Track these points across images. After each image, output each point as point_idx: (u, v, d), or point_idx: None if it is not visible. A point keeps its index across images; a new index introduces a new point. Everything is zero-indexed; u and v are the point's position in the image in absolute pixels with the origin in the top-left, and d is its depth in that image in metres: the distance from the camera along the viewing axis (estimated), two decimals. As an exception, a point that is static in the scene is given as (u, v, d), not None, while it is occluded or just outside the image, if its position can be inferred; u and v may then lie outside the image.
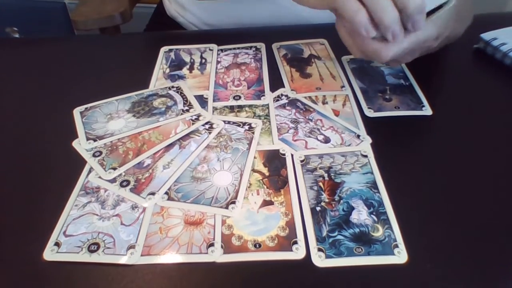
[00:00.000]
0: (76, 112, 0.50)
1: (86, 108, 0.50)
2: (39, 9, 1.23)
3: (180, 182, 0.41)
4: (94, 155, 0.44)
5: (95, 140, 0.45)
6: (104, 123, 0.47)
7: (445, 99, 0.51)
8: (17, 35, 1.19)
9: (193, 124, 0.47)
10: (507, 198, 0.39)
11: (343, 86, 0.52)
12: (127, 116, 0.48)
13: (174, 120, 0.47)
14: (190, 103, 0.50)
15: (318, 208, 0.38)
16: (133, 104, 0.50)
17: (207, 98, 0.51)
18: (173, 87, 0.53)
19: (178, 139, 0.45)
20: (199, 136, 0.46)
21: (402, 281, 0.33)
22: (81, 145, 0.45)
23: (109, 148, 0.44)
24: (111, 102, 0.50)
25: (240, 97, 0.51)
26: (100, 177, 0.41)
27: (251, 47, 0.60)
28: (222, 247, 0.35)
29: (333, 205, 0.38)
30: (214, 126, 0.47)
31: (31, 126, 0.49)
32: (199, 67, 0.57)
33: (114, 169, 0.42)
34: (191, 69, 0.57)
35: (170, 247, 0.36)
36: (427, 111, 0.48)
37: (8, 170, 0.44)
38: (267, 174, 0.42)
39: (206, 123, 0.47)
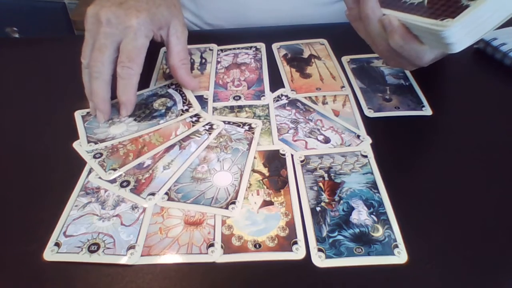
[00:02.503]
0: (78, 115, 0.49)
1: (87, 113, 0.50)
2: (39, 9, 1.23)
3: (180, 182, 0.41)
4: (94, 157, 0.44)
5: (96, 143, 0.45)
6: (106, 128, 0.47)
7: (445, 99, 0.51)
8: (17, 35, 1.20)
9: (193, 126, 0.47)
10: (507, 198, 0.39)
11: (343, 86, 0.52)
12: (128, 120, 0.48)
13: (174, 122, 0.47)
14: (189, 102, 0.50)
15: (318, 208, 0.38)
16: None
17: (207, 99, 0.51)
18: (172, 84, 0.53)
19: (178, 140, 0.45)
20: (199, 137, 0.46)
21: (402, 281, 0.33)
22: (81, 147, 0.45)
23: (110, 150, 0.44)
24: (112, 105, 0.50)
25: (240, 98, 0.51)
26: (100, 178, 0.42)
27: (251, 47, 0.60)
28: (222, 247, 0.35)
29: (333, 205, 0.38)
30: (214, 126, 0.47)
31: (31, 126, 0.49)
32: (199, 67, 0.57)
33: (114, 170, 0.42)
34: (191, 69, 0.56)
35: (170, 247, 0.36)
36: (427, 111, 0.48)
37: (8, 170, 0.44)
38: (267, 174, 0.42)
39: (207, 123, 0.47)
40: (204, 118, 0.48)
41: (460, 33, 0.36)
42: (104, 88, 0.46)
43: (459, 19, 0.35)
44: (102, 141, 0.45)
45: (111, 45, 0.44)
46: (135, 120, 0.48)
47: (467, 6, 0.35)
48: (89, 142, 0.45)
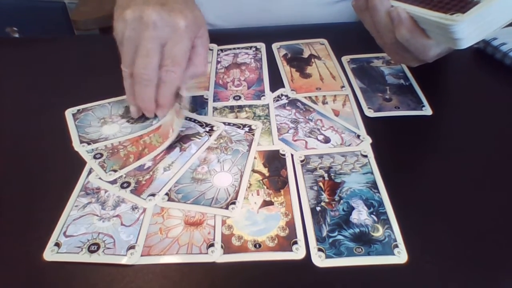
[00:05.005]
0: (68, 113, 0.49)
1: (78, 110, 0.50)
2: (39, 9, 1.22)
3: (180, 183, 0.41)
4: (95, 157, 0.44)
5: (88, 144, 0.45)
6: (98, 127, 0.47)
7: (445, 99, 0.51)
8: (17, 35, 1.19)
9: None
10: (507, 198, 0.39)
11: (343, 86, 0.52)
12: (121, 121, 0.48)
13: (169, 119, 0.47)
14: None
15: (318, 208, 0.38)
16: (126, 108, 0.50)
17: (207, 98, 0.51)
18: None
19: (179, 142, 0.45)
20: (199, 138, 0.46)
21: (402, 281, 0.33)
22: (75, 147, 0.45)
23: (110, 151, 0.44)
24: (103, 105, 0.50)
25: (240, 97, 0.51)
26: (100, 179, 0.42)
27: (251, 47, 0.60)
28: (222, 247, 0.35)
29: (333, 205, 0.38)
30: (214, 128, 0.47)
31: (31, 126, 0.49)
32: (199, 67, 0.57)
33: (115, 171, 0.42)
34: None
35: (170, 247, 0.36)
36: (427, 111, 0.48)
37: (8, 170, 0.44)
38: (267, 174, 0.42)
39: (207, 125, 0.47)
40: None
41: (468, 29, 0.35)
42: (153, 94, 0.43)
43: (469, 15, 0.35)
44: (95, 141, 0.45)
45: (157, 49, 0.41)
46: (128, 122, 0.48)
47: (477, 2, 0.35)
48: (81, 142, 0.45)
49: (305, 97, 0.51)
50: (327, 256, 0.34)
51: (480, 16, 0.35)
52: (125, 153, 0.44)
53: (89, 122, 0.48)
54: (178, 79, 0.43)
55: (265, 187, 0.40)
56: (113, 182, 0.41)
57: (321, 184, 0.40)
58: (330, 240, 0.36)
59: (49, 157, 0.45)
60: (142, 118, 0.48)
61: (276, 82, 0.53)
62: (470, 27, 0.35)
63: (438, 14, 0.37)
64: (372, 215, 0.37)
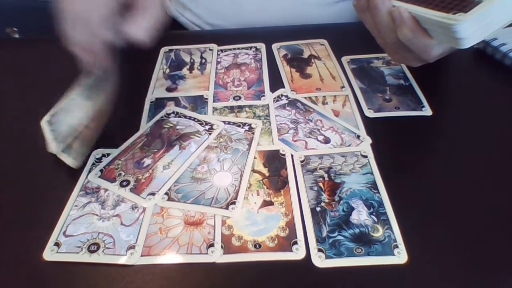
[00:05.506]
0: (44, 123, 0.45)
1: (51, 115, 0.46)
2: (39, 9, 1.22)
3: (180, 182, 0.41)
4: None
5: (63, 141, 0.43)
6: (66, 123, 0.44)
7: (445, 99, 0.51)
8: (17, 35, 1.19)
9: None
10: (507, 198, 0.39)
11: (343, 87, 0.52)
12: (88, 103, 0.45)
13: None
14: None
15: (318, 209, 0.38)
16: (90, 89, 0.47)
17: (207, 99, 0.51)
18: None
19: (178, 140, 0.45)
20: (199, 137, 0.46)
21: (402, 281, 0.33)
22: (53, 151, 0.43)
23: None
24: (71, 99, 0.47)
25: (240, 98, 0.51)
26: (97, 176, 0.42)
27: (251, 48, 0.60)
28: (222, 247, 0.35)
29: (333, 206, 0.38)
30: (214, 127, 0.47)
31: (31, 126, 0.49)
32: (199, 67, 0.57)
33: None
34: (191, 69, 0.57)
35: (170, 247, 0.36)
36: (427, 111, 0.48)
37: (7, 170, 0.44)
38: (267, 174, 0.42)
39: (206, 124, 0.47)
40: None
41: (471, 28, 0.36)
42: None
43: (472, 14, 0.35)
44: (66, 136, 0.43)
45: None
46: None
47: (479, 2, 0.35)
48: (58, 142, 0.43)
49: (305, 98, 0.51)
50: (327, 257, 0.34)
51: (482, 16, 0.35)
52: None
53: (61, 122, 0.45)
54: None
55: (265, 187, 0.40)
56: (113, 180, 0.41)
57: (321, 184, 0.40)
58: (330, 240, 0.36)
59: (49, 157, 0.45)
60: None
61: (276, 83, 0.53)
62: (473, 26, 0.35)
63: (440, 14, 0.37)
64: (372, 216, 0.37)
